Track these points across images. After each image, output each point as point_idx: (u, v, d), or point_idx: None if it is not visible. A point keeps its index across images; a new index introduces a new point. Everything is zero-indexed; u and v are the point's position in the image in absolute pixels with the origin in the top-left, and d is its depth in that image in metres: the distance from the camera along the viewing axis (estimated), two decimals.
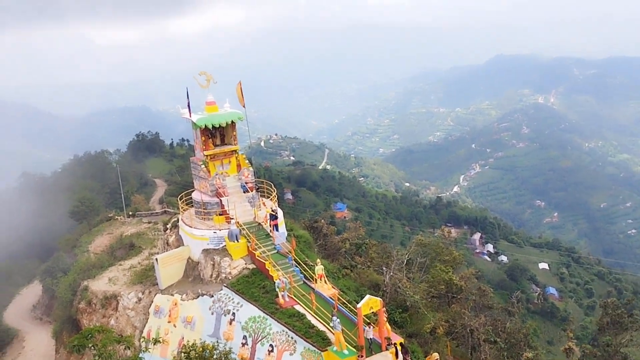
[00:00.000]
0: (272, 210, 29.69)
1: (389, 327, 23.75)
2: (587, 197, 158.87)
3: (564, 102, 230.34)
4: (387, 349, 22.54)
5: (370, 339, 22.66)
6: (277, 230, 28.75)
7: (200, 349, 16.30)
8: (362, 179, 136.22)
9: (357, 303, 23.19)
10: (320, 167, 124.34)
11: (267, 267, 26.48)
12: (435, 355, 22.24)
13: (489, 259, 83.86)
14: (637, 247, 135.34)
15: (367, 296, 23.50)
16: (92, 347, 18.41)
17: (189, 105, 30.22)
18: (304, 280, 26.48)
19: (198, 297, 27.09)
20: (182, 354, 15.99)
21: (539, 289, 74.08)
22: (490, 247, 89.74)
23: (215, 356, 16.17)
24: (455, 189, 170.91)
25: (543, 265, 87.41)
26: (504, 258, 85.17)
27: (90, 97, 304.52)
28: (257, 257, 27.15)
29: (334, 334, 22.30)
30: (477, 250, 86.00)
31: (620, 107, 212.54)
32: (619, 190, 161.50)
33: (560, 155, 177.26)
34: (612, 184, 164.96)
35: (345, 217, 69.20)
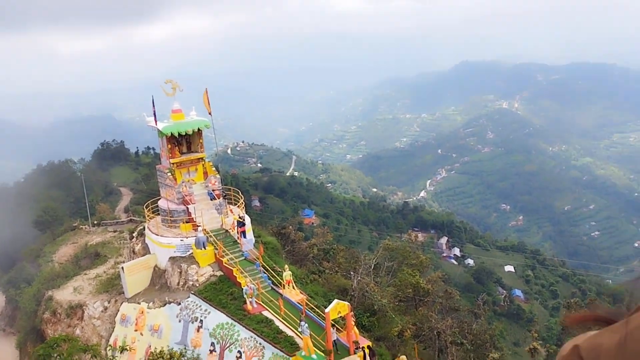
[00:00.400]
0: (240, 217, 29.77)
1: (356, 330, 23.96)
2: (552, 201, 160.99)
3: (527, 107, 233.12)
4: (355, 353, 22.74)
5: (335, 340, 22.84)
6: (244, 237, 28.82)
7: (168, 357, 16.31)
8: (329, 185, 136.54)
9: (325, 308, 23.35)
10: (287, 174, 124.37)
11: (234, 273, 26.54)
12: (403, 357, 22.50)
13: (455, 262, 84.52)
14: (600, 249, 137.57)
15: (335, 301, 23.68)
16: (58, 357, 18.30)
17: (154, 113, 30.14)
18: (272, 286, 26.59)
19: (165, 305, 27.03)
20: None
21: (504, 291, 74.82)
22: (456, 251, 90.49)
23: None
24: (422, 194, 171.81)
25: (509, 268, 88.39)
26: (470, 261, 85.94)
27: (54, 106, 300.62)
28: (224, 264, 27.19)
29: (302, 339, 22.46)
30: (444, 254, 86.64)
31: (582, 112, 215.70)
32: (582, 193, 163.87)
33: (524, 159, 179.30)
34: (575, 187, 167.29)
35: (313, 223, 69.41)
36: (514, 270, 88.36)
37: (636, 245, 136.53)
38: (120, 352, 24.34)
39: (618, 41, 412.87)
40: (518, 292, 77.03)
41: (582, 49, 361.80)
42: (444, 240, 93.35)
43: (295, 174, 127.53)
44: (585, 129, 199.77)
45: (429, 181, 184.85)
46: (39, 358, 19.60)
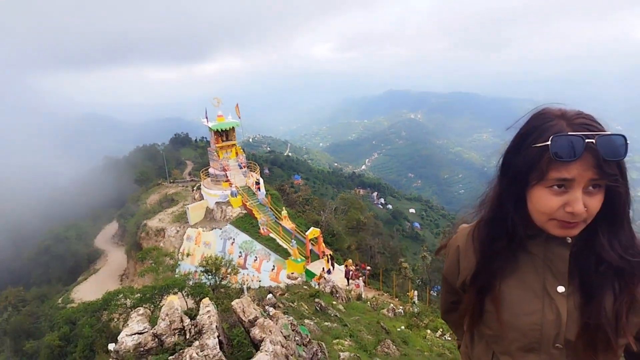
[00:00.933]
0: (256, 179, 29.74)
1: (324, 245, 24.24)
2: (438, 172, 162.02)
3: (426, 117, 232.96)
4: (322, 258, 23.05)
5: (310, 250, 23.18)
6: (259, 190, 28.84)
7: (214, 258, 16.41)
8: (310, 161, 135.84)
9: (305, 232, 23.61)
10: (285, 154, 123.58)
11: (253, 212, 26.62)
12: (350, 261, 22.84)
13: (381, 207, 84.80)
14: (464, 199, 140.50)
15: (312, 228, 23.89)
16: (150, 258, 18.35)
17: (207, 117, 29.89)
18: (275, 219, 26.70)
19: (213, 229, 27.03)
20: (204, 261, 16.06)
21: (409, 223, 75.45)
22: (382, 200, 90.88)
23: (222, 263, 16.25)
24: (363, 167, 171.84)
25: (412, 210, 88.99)
26: (390, 206, 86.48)
27: (147, 111, 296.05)
28: (247, 206, 27.22)
29: (292, 250, 22.70)
30: (375, 202, 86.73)
31: (457, 121, 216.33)
32: (455, 168, 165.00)
33: (422, 148, 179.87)
34: (451, 164, 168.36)
35: (299, 184, 69.12)
36: (414, 212, 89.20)
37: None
38: (187, 256, 24.41)
39: (479, 77, 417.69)
40: (417, 224, 77.77)
41: (458, 82, 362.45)
42: (375, 194, 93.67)
43: (290, 154, 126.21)
44: (458, 131, 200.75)
45: (367, 160, 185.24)
46: (138, 259, 19.72)
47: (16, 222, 59.49)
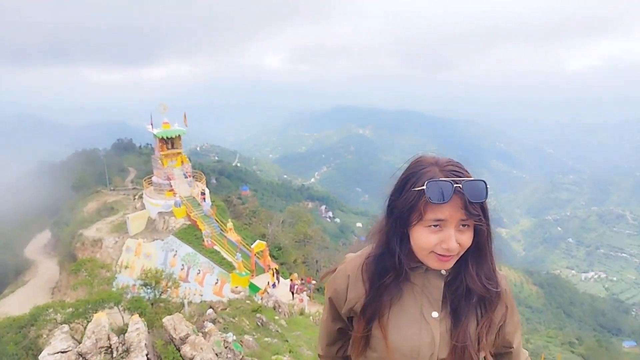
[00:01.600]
0: (202, 189, 29.17)
1: (269, 258, 24.09)
2: (382, 185, 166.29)
3: (374, 133, 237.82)
4: (268, 271, 22.88)
5: (255, 263, 22.95)
6: (205, 201, 28.29)
7: (154, 271, 15.88)
8: (259, 172, 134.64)
9: (251, 245, 23.38)
10: (233, 164, 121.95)
11: (197, 223, 26.04)
12: (295, 275, 22.81)
13: (329, 220, 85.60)
14: None
15: (257, 241, 23.71)
16: (84, 270, 17.44)
17: (152, 123, 29.08)
18: (220, 231, 26.26)
19: (154, 240, 26.15)
20: (143, 274, 15.49)
21: (356, 237, 76.58)
22: (330, 214, 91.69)
23: (163, 276, 15.76)
24: (312, 180, 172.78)
25: (359, 224, 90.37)
26: (337, 220, 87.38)
27: (88, 113, 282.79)
28: (191, 217, 26.61)
29: (237, 263, 22.38)
30: (323, 215, 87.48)
31: (402, 137, 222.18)
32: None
33: (370, 163, 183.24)
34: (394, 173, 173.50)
35: (247, 195, 68.39)
36: (361, 226, 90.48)
37: None
38: (125, 268, 23.41)
39: (425, 96, 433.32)
40: (363, 238, 78.81)
41: (405, 100, 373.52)
42: (323, 207, 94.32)
43: (238, 164, 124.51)
44: (404, 148, 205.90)
45: (316, 173, 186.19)
46: (72, 271, 18.69)
47: None
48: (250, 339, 6.26)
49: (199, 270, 23.71)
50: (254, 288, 21.02)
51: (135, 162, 69.82)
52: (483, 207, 1.36)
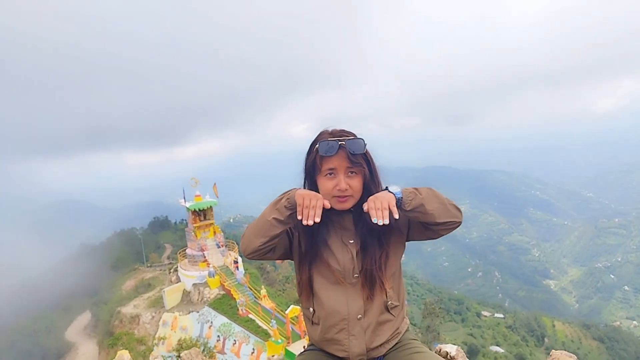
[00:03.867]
0: (235, 258, 29.43)
1: (305, 324, 23.58)
2: (420, 245, 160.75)
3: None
4: (304, 337, 22.34)
5: (292, 330, 22.45)
6: (238, 270, 28.42)
7: (190, 342, 15.81)
8: None
9: (286, 311, 23.05)
10: None
11: (231, 292, 26.04)
12: None
13: None
14: (449, 272, 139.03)
15: (292, 306, 23.38)
16: (121, 344, 17.56)
17: (184, 197, 30.15)
18: (254, 299, 26.11)
19: (189, 312, 26.16)
20: (178, 345, 15.47)
21: None
22: None
23: (199, 345, 15.66)
24: None
25: None
26: None
27: (125, 195, 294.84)
28: (225, 287, 26.67)
29: (272, 330, 22.01)
30: None
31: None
32: (438, 241, 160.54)
33: None
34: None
35: (280, 263, 68.26)
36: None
37: (469, 270, 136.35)
38: (161, 342, 23.35)
39: (452, 151, 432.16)
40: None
41: (432, 157, 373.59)
42: None
43: None
44: None
45: None
46: (109, 346, 18.82)
47: None
48: None
49: (235, 340, 23.36)
50: (290, 355, 20.45)
51: (171, 239, 71.41)
52: (366, 159, 1.96)
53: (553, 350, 2.02)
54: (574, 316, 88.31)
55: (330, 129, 2.00)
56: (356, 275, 1.98)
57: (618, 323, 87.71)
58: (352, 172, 1.91)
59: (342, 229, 2.03)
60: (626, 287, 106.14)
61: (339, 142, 1.87)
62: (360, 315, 1.96)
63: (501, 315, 63.03)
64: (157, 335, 25.77)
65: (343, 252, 2.00)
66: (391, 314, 2.02)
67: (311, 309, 2.12)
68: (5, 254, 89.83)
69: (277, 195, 1.94)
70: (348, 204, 1.94)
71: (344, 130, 1.98)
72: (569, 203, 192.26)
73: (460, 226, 2.09)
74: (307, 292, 2.10)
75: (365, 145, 1.90)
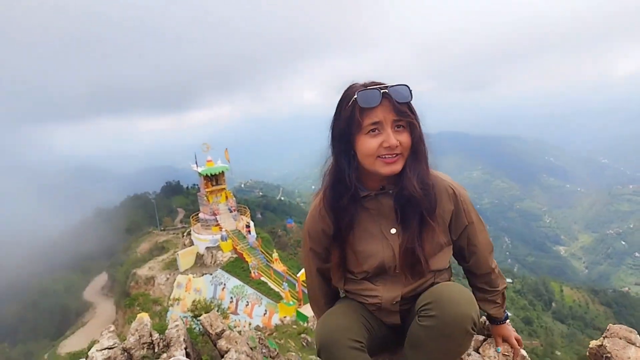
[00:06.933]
0: (247, 222, 29.85)
1: None
2: None
3: None
4: None
5: (302, 291, 22.94)
6: (250, 234, 28.86)
7: (204, 303, 16.29)
8: (302, 204, 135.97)
9: (297, 274, 23.51)
10: (277, 198, 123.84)
11: (244, 255, 26.54)
12: None
13: None
14: None
15: (303, 269, 23.82)
16: (137, 305, 18.15)
17: (196, 162, 30.39)
18: (266, 262, 26.61)
19: (203, 275, 26.81)
20: (193, 306, 15.93)
21: None
22: None
23: (213, 307, 16.13)
24: None
25: None
26: None
27: (137, 159, 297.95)
28: (238, 250, 27.17)
29: (284, 292, 22.53)
30: None
31: (448, 160, 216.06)
32: None
33: None
34: None
35: (292, 227, 69.09)
36: None
37: None
38: (177, 303, 24.07)
39: (467, 116, 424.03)
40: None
41: (446, 122, 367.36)
42: None
43: (282, 198, 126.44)
44: (449, 169, 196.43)
45: None
46: (126, 306, 19.49)
47: (3, 277, 58.48)
48: (294, 353, 6.35)
49: (248, 302, 23.99)
50: (301, 317, 21.00)
51: (183, 203, 72.41)
52: (410, 107, 1.59)
53: (610, 325, 1.91)
54: (582, 282, 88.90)
55: (360, 82, 1.63)
56: (397, 271, 1.72)
57: (627, 289, 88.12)
58: (398, 127, 1.57)
59: (381, 217, 1.71)
60: (637, 254, 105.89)
61: (382, 90, 1.53)
62: (396, 301, 1.74)
63: (510, 280, 63.61)
64: (171, 297, 26.53)
65: (382, 247, 1.70)
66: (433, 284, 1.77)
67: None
68: (23, 218, 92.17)
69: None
70: (398, 166, 1.58)
71: (377, 81, 1.61)
72: (583, 170, 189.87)
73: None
74: (338, 275, 1.86)
75: (411, 92, 1.56)
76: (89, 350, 2.95)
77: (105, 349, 2.84)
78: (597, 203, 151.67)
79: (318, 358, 1.67)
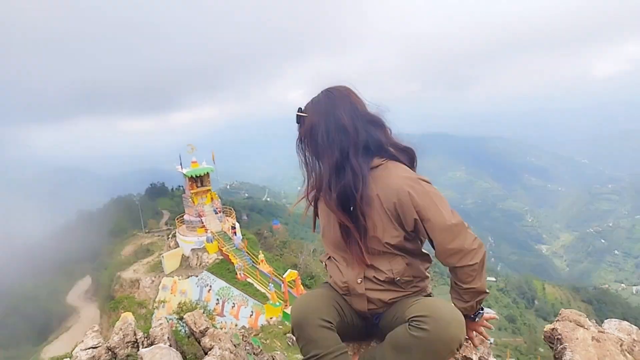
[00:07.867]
0: (232, 224, 29.70)
1: (302, 287, 24.08)
2: None
3: None
4: None
5: (289, 293, 22.93)
6: (235, 235, 28.74)
7: (190, 306, 16.19)
8: (288, 205, 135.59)
9: (283, 275, 23.50)
10: (263, 199, 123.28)
11: (229, 257, 26.44)
12: None
13: None
14: None
15: (289, 270, 23.82)
16: (122, 308, 17.95)
17: (181, 164, 30.16)
18: (252, 263, 26.53)
19: (189, 277, 26.62)
20: (178, 308, 15.81)
21: None
22: None
23: (198, 308, 16.02)
24: None
25: None
26: None
27: (120, 162, 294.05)
28: (223, 252, 27.05)
29: (270, 294, 22.50)
30: None
31: (432, 160, 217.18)
32: None
33: None
34: None
35: (278, 228, 68.82)
36: None
37: None
38: (162, 306, 23.87)
39: (450, 117, 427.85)
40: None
41: (430, 123, 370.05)
42: None
43: (268, 199, 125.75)
44: (433, 170, 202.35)
45: None
46: (111, 309, 19.26)
47: None
48: (279, 352, 6.40)
49: (234, 303, 23.90)
50: (287, 317, 20.99)
51: (168, 205, 71.68)
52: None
53: (562, 309, 2.05)
54: (564, 279, 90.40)
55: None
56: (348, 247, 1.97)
57: (607, 286, 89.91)
58: None
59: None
60: (616, 252, 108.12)
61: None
62: (360, 280, 1.91)
63: (493, 279, 64.32)
64: (157, 299, 26.30)
65: (330, 221, 2.06)
66: (401, 287, 1.92)
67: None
68: (3, 221, 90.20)
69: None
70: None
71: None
72: (564, 169, 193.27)
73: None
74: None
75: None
76: (72, 350, 2.96)
77: (89, 348, 2.87)
78: (578, 202, 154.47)
79: (293, 336, 1.88)
